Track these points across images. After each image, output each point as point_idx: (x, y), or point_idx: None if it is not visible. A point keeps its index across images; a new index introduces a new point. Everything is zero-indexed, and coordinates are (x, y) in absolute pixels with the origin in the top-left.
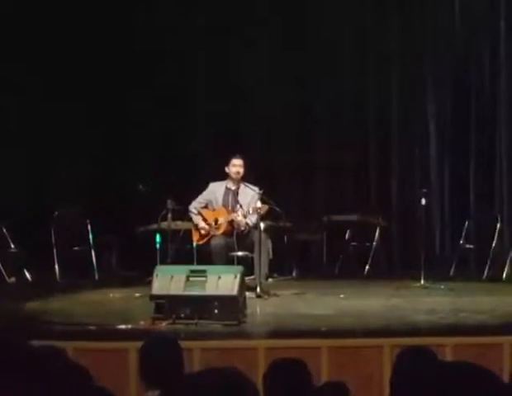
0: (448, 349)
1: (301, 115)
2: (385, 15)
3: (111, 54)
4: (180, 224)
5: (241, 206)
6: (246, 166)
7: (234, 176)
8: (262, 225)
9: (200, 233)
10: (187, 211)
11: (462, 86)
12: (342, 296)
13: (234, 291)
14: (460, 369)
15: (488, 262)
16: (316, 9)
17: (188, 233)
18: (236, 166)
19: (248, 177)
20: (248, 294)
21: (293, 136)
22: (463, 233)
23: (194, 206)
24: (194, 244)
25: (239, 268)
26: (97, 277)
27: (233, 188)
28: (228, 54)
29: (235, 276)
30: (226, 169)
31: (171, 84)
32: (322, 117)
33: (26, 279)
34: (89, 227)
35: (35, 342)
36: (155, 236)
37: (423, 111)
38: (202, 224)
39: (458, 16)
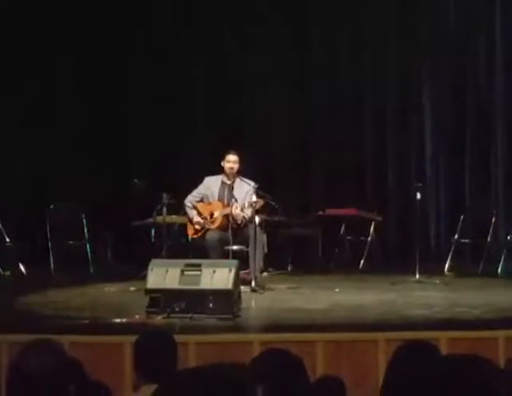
0: (442, 343)
1: (299, 111)
2: (384, 16)
3: (110, 53)
4: (175, 218)
5: (236, 200)
6: (242, 161)
7: (228, 171)
8: (257, 219)
9: (195, 227)
10: (182, 205)
11: (459, 82)
12: (337, 290)
13: (229, 285)
14: (459, 361)
15: (483, 257)
16: (316, 9)
17: (183, 227)
18: (230, 162)
19: (245, 172)
20: (243, 288)
21: (290, 131)
22: (458, 228)
23: (189, 200)
24: (189, 238)
25: (234, 262)
26: (92, 271)
27: (228, 182)
28: (228, 51)
29: (230, 270)
30: (222, 163)
31: (169, 81)
32: (320, 113)
33: (22, 273)
34: (84, 221)
35: (30, 336)
36: (150, 230)
37: (419, 107)
38: (197, 219)
39: (455, 17)
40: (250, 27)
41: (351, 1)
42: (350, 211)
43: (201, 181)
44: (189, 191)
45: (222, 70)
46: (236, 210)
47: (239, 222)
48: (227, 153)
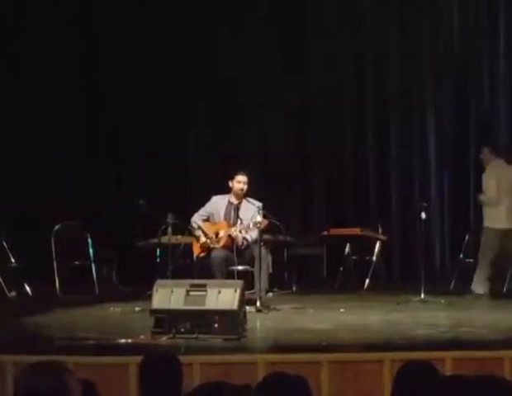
0: (447, 363)
1: (301, 129)
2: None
3: (113, 74)
4: (180, 239)
5: (242, 221)
6: (250, 182)
7: (238, 192)
8: (262, 240)
9: (201, 246)
10: (186, 225)
11: (462, 99)
12: (342, 310)
13: (235, 306)
14: (458, 382)
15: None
16: (316, 10)
17: (188, 247)
18: (241, 182)
19: (248, 192)
20: (248, 308)
21: (292, 151)
22: (463, 247)
23: (195, 220)
24: (194, 258)
25: (239, 282)
26: (97, 291)
27: (235, 203)
28: (230, 75)
29: (235, 291)
30: (230, 183)
31: (171, 99)
32: (321, 132)
33: (27, 293)
34: (89, 241)
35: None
36: (155, 250)
37: (422, 125)
38: (203, 239)
39: (457, 28)
40: (248, 30)
41: (351, 5)
42: (355, 231)
43: (206, 200)
44: (194, 211)
45: (223, 91)
46: (234, 233)
47: (240, 243)
48: (237, 173)
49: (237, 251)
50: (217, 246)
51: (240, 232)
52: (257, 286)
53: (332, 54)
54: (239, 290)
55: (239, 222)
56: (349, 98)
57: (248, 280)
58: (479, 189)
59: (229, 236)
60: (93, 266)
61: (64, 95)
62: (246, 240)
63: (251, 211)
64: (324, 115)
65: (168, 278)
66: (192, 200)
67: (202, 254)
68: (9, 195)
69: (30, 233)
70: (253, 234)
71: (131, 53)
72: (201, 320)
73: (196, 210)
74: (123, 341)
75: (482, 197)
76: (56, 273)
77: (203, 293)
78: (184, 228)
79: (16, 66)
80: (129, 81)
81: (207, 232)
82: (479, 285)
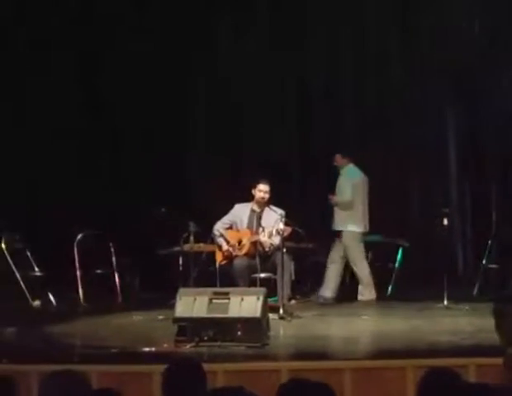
0: (470, 370)
1: (301, 130)
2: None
3: (110, 70)
4: (202, 246)
5: (263, 229)
6: (272, 191)
7: (259, 200)
8: (284, 247)
9: (223, 254)
10: (208, 233)
11: (480, 106)
12: (365, 317)
13: (257, 313)
14: (482, 390)
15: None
16: (316, 9)
17: (211, 255)
18: (262, 191)
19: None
20: (271, 315)
21: (296, 152)
22: (486, 253)
23: (218, 228)
24: (217, 265)
25: (262, 290)
26: (120, 300)
27: (257, 211)
28: (228, 69)
29: (258, 298)
30: (253, 192)
31: (176, 103)
32: (323, 132)
33: (51, 302)
34: (112, 249)
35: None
36: (178, 258)
37: (442, 130)
38: (226, 247)
39: (457, 28)
40: (248, 34)
41: (352, 5)
42: (376, 237)
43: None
44: (216, 219)
45: (223, 91)
46: (263, 238)
47: (267, 249)
48: (259, 182)
49: (260, 258)
50: (240, 254)
51: (269, 237)
52: (279, 293)
53: (332, 54)
54: (261, 298)
55: (260, 230)
56: (349, 98)
57: (270, 287)
58: (332, 191)
59: (253, 243)
60: (116, 274)
61: (63, 95)
62: (272, 245)
63: (273, 219)
64: (324, 114)
65: (190, 286)
66: (192, 202)
67: (225, 262)
68: (32, 206)
69: (53, 242)
70: (275, 240)
71: (131, 53)
72: (224, 328)
73: (218, 219)
74: (146, 349)
75: (338, 200)
76: (79, 282)
77: (226, 301)
78: (206, 236)
79: (16, 66)
80: (129, 81)
81: (230, 240)
82: (365, 292)
